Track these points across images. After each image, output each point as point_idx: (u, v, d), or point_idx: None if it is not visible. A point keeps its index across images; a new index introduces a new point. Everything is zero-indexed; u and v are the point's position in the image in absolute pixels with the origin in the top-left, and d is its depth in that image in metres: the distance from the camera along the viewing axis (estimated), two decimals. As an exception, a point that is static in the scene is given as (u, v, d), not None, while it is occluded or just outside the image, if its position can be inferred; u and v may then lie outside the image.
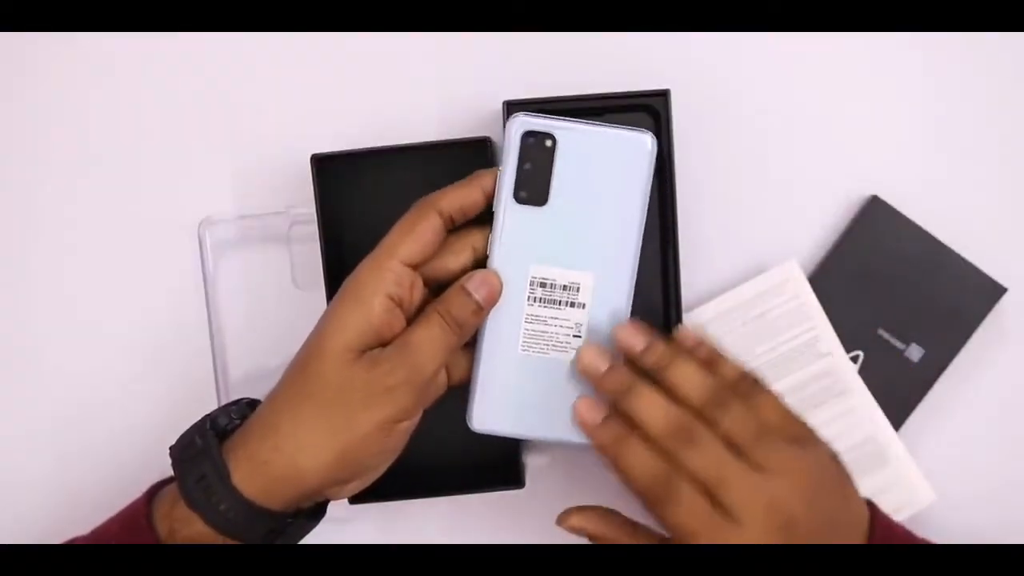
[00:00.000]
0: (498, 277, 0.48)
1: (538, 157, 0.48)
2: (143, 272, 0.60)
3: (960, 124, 0.59)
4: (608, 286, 0.49)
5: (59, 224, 0.60)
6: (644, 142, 0.48)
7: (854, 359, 0.58)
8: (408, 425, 0.47)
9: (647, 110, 0.56)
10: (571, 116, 0.56)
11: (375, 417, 0.45)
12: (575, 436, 0.49)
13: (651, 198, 0.49)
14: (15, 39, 0.59)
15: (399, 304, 0.47)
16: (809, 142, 0.60)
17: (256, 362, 0.60)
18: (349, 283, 0.47)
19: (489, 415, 0.49)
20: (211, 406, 0.58)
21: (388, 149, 0.55)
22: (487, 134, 0.56)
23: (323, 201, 0.55)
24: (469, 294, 0.47)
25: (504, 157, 0.48)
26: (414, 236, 0.47)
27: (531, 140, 0.48)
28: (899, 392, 0.58)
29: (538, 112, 0.49)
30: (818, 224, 0.59)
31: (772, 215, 0.60)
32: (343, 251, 0.58)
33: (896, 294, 0.58)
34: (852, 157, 0.59)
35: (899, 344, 0.58)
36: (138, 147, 0.60)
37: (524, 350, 0.49)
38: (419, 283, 0.48)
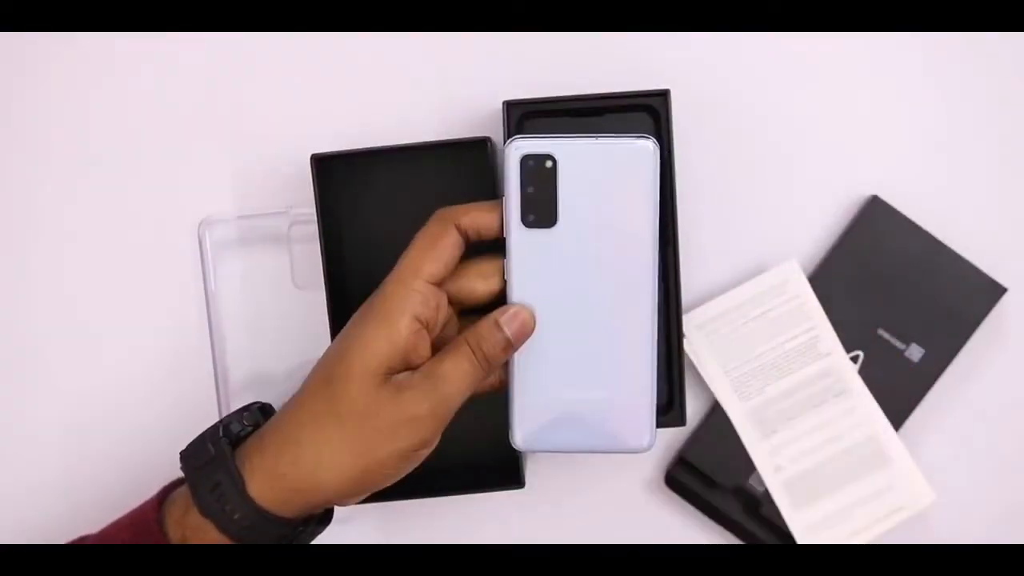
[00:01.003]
0: (532, 314, 0.47)
1: (540, 179, 0.47)
2: (143, 272, 0.60)
3: (960, 124, 0.59)
4: (631, 292, 0.48)
5: (59, 224, 0.60)
6: (645, 148, 0.47)
7: (854, 359, 0.58)
8: (428, 451, 0.47)
9: (647, 110, 0.55)
10: (572, 116, 0.56)
11: (397, 445, 0.45)
12: (623, 445, 0.48)
13: None
14: (15, 39, 0.59)
15: (425, 325, 0.46)
16: (809, 142, 0.60)
17: (256, 362, 0.59)
18: (375, 301, 0.47)
19: (533, 434, 0.49)
20: (211, 406, 0.58)
21: (388, 149, 0.55)
22: (487, 134, 0.56)
23: (323, 201, 0.55)
24: (500, 328, 0.47)
25: (506, 184, 0.47)
26: (436, 253, 0.46)
27: (531, 163, 0.47)
28: (899, 392, 0.58)
29: (535, 133, 0.48)
30: (818, 224, 0.59)
31: (772, 215, 0.60)
32: (343, 251, 0.58)
33: (896, 294, 0.58)
34: (852, 157, 0.59)
35: (899, 344, 0.58)
36: (138, 147, 0.60)
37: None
38: (444, 302, 0.47)
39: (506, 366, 0.48)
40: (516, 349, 0.47)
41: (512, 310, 0.47)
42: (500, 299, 0.48)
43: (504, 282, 0.48)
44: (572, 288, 0.48)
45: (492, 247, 0.48)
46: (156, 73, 0.60)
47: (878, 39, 0.59)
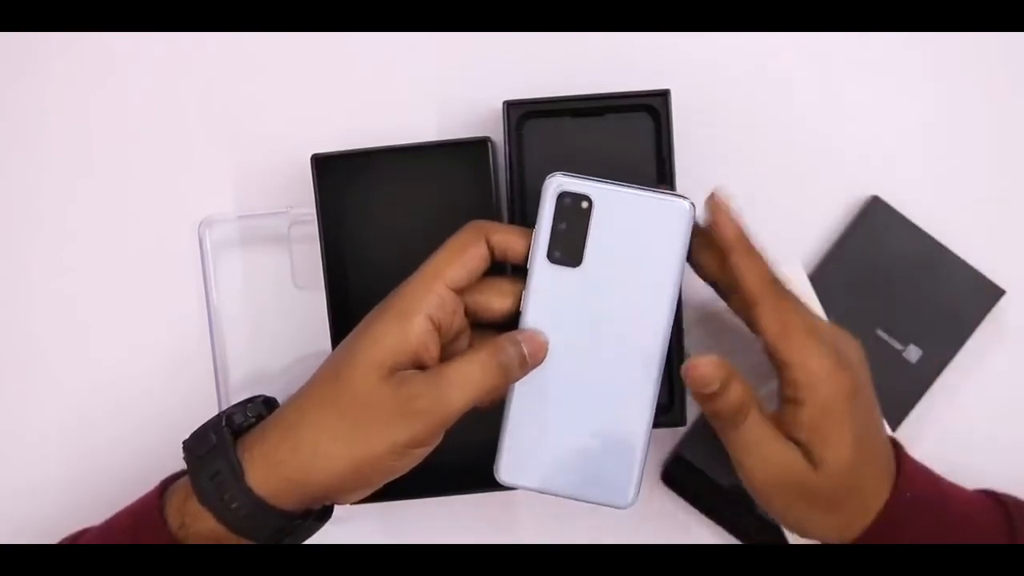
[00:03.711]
0: (546, 340, 0.48)
1: (573, 218, 0.47)
2: (143, 272, 0.60)
3: (960, 125, 0.59)
4: (640, 349, 0.48)
5: (59, 224, 0.60)
6: (683, 208, 0.47)
7: (852, 359, 0.58)
8: (423, 451, 0.47)
9: (647, 110, 0.56)
10: (572, 116, 0.56)
11: (392, 438, 0.45)
12: (605, 497, 0.49)
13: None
14: (15, 39, 0.59)
15: (438, 327, 0.46)
16: (809, 142, 0.60)
17: (256, 362, 0.60)
18: (393, 297, 0.47)
19: (518, 469, 0.49)
20: (212, 406, 0.58)
21: (388, 149, 0.55)
22: (487, 134, 0.56)
23: (323, 201, 0.55)
24: (519, 344, 0.47)
25: (539, 216, 0.47)
26: (463, 261, 0.47)
27: (567, 201, 0.47)
28: (897, 392, 0.58)
29: (575, 173, 0.48)
30: (818, 224, 0.59)
31: (772, 215, 0.59)
32: (343, 251, 0.58)
33: (895, 295, 0.58)
34: (852, 157, 0.59)
35: (898, 345, 0.58)
36: (138, 147, 0.60)
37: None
38: (461, 310, 0.48)
39: (507, 393, 0.48)
40: (530, 369, 0.47)
41: (529, 332, 0.47)
42: (514, 321, 0.48)
43: (518, 305, 0.48)
44: (583, 333, 0.48)
45: (515, 270, 0.49)
46: (156, 73, 0.60)
47: (878, 39, 0.59)
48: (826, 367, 0.46)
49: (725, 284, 0.49)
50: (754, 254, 0.48)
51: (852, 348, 0.48)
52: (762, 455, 0.46)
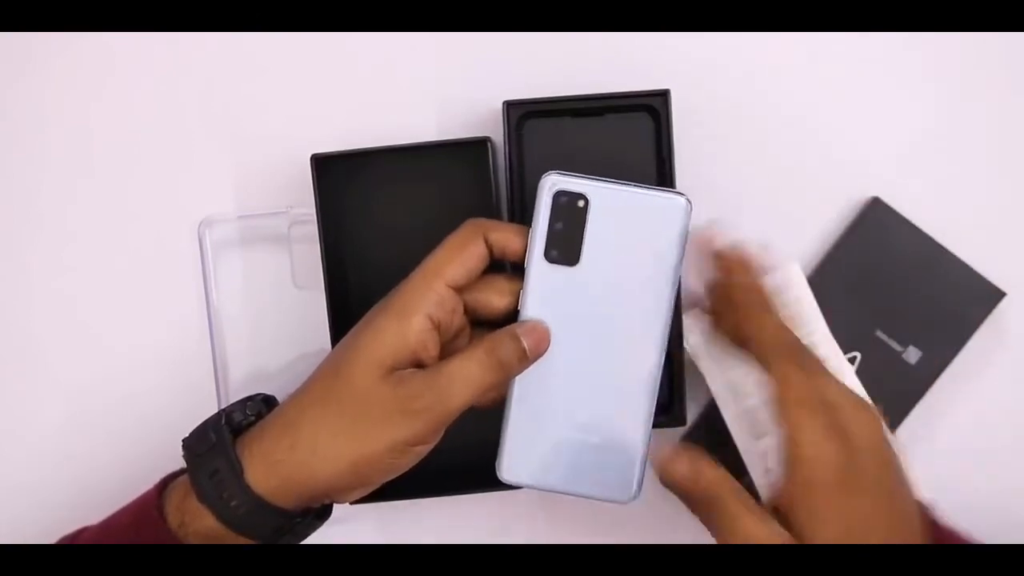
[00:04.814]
0: (548, 332, 0.47)
1: (570, 217, 0.47)
2: (143, 273, 0.60)
3: (961, 126, 0.59)
4: (639, 346, 0.48)
5: (59, 224, 0.60)
6: (679, 204, 0.47)
7: (852, 360, 0.58)
8: (423, 449, 0.47)
9: (647, 110, 0.56)
10: (572, 116, 0.56)
11: (391, 436, 0.45)
12: (607, 493, 0.49)
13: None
14: (15, 39, 0.59)
15: (437, 326, 0.46)
16: (810, 142, 0.60)
17: (256, 362, 0.60)
18: (393, 296, 0.47)
19: (520, 467, 0.49)
20: (211, 406, 0.58)
21: (388, 149, 0.55)
22: (487, 134, 0.56)
23: (323, 201, 0.55)
24: (517, 338, 0.47)
25: (535, 215, 0.47)
26: (462, 259, 0.47)
27: (563, 200, 0.47)
28: (896, 394, 0.57)
29: (571, 172, 0.48)
30: (818, 225, 0.59)
31: (772, 216, 0.60)
32: (343, 251, 0.58)
33: (895, 296, 0.58)
34: (853, 158, 0.59)
35: (897, 346, 0.58)
36: (138, 147, 0.60)
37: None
38: (460, 309, 0.48)
39: (507, 391, 0.48)
40: (531, 362, 0.47)
41: (530, 324, 0.47)
42: (513, 319, 0.48)
43: (517, 303, 0.48)
44: (581, 331, 0.48)
45: (514, 268, 0.49)
46: (156, 73, 0.60)
47: (878, 39, 0.59)
48: (812, 444, 0.45)
49: (740, 338, 0.49)
50: (767, 313, 0.48)
51: (860, 420, 0.47)
52: (740, 532, 0.46)
